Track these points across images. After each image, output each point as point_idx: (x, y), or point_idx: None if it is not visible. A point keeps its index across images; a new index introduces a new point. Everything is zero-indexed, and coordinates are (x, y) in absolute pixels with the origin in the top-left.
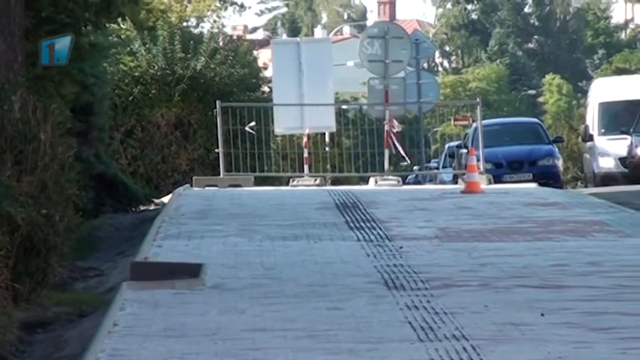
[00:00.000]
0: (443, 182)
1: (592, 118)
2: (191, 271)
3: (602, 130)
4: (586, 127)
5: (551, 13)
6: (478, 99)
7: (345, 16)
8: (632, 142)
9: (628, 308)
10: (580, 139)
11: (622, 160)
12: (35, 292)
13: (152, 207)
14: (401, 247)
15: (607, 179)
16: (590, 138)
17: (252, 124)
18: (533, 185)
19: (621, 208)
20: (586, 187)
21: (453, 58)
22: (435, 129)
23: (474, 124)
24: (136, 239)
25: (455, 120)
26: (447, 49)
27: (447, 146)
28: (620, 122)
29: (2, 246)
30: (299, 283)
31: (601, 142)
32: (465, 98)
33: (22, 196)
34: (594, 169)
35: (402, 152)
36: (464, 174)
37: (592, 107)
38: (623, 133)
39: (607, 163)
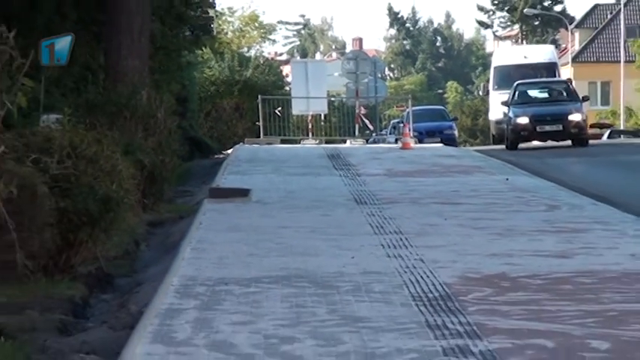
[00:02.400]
0: (389, 143)
1: (491, 78)
2: (244, 193)
3: (496, 87)
4: (485, 84)
5: (452, 45)
6: (409, 95)
7: (333, 47)
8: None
9: (495, 216)
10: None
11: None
12: (155, 204)
13: (221, 156)
14: (365, 180)
15: (499, 123)
16: (488, 93)
17: (279, 108)
18: (441, 145)
19: (491, 158)
20: (489, 128)
21: (395, 71)
22: (385, 112)
23: (407, 110)
24: (212, 174)
25: (396, 107)
26: (392, 66)
27: (392, 122)
28: (509, 81)
29: (135, 177)
30: (306, 200)
31: (494, 95)
32: (402, 94)
33: (147, 149)
34: (490, 117)
35: (369, 125)
36: (401, 138)
37: (491, 70)
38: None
39: (499, 114)
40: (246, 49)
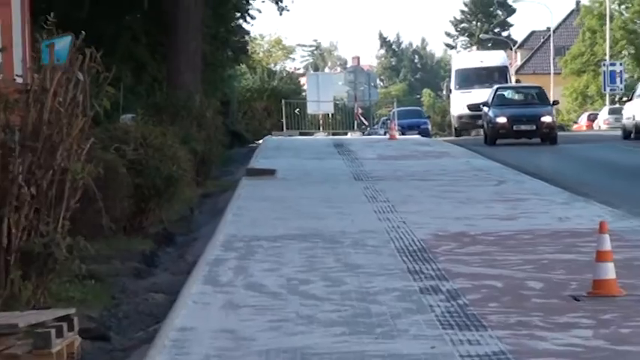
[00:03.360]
0: (380, 135)
1: (452, 79)
2: (271, 172)
3: (457, 87)
4: (448, 84)
5: (426, 62)
6: (395, 99)
7: (338, 63)
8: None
9: (458, 189)
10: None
11: (468, 107)
12: (205, 181)
13: (254, 145)
14: (361, 163)
15: (461, 118)
16: (450, 92)
17: (298, 109)
18: (418, 136)
19: (457, 146)
20: (450, 123)
21: (384, 81)
22: (376, 112)
23: (393, 110)
24: (248, 158)
25: (385, 108)
26: (382, 77)
27: (382, 119)
28: (468, 82)
29: (191, 161)
30: (318, 177)
31: (456, 94)
32: (389, 99)
33: (200, 140)
34: (452, 112)
35: (364, 121)
36: (389, 131)
37: (452, 72)
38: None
39: (461, 110)
40: (272, 65)
